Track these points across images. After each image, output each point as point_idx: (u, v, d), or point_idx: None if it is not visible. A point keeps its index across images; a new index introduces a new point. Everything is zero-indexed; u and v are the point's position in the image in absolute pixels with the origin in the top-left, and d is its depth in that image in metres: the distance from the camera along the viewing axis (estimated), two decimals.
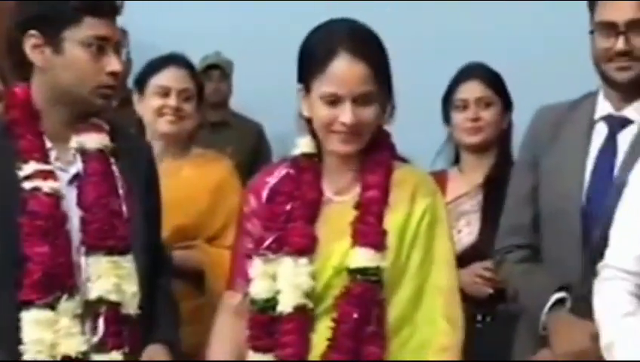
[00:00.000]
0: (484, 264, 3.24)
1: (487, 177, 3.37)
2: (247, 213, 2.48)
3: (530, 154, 2.88)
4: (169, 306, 2.57)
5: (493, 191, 3.29)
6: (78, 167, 2.42)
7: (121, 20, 5.28)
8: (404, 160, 2.49)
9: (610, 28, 2.69)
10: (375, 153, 2.42)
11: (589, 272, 2.52)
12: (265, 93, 5.43)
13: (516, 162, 3.03)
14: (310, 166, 2.45)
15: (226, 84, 5.67)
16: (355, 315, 2.30)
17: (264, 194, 2.46)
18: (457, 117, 3.40)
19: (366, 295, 2.31)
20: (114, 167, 2.43)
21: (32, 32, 2.38)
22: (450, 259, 2.40)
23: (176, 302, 2.63)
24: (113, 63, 2.41)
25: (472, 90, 3.39)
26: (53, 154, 2.42)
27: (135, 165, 2.48)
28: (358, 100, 2.34)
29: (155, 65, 3.44)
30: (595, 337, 2.40)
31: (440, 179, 3.24)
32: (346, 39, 2.36)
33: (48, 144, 2.42)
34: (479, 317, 3.26)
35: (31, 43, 2.39)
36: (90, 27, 2.38)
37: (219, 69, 5.64)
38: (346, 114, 2.34)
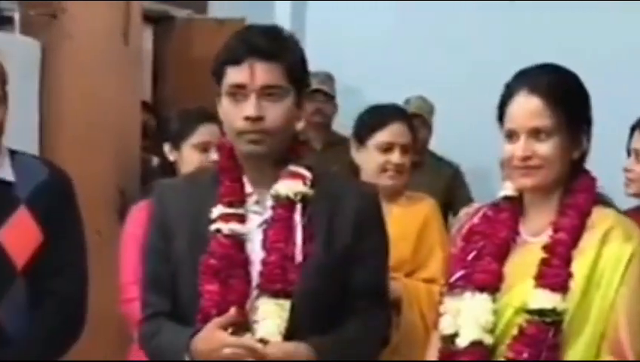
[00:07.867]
0: None
1: None
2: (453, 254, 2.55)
3: None
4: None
5: None
6: (271, 212, 2.49)
7: (327, 63, 5.45)
8: (607, 202, 2.47)
9: None
10: (573, 196, 2.42)
11: None
12: (463, 131, 5.51)
13: None
14: (508, 207, 2.49)
15: (427, 129, 5.64)
16: (525, 355, 2.31)
17: (464, 234, 2.54)
18: None
19: (539, 336, 2.31)
20: (297, 214, 2.45)
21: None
22: (631, 309, 2.33)
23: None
24: (248, 108, 2.43)
25: None
26: (253, 199, 2.52)
27: (335, 210, 2.50)
28: (532, 134, 2.38)
29: (380, 119, 3.47)
30: None
31: None
32: (524, 76, 2.44)
33: (249, 189, 2.52)
34: None
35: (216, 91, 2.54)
36: (229, 76, 2.46)
37: (420, 117, 5.58)
38: (518, 149, 2.39)
